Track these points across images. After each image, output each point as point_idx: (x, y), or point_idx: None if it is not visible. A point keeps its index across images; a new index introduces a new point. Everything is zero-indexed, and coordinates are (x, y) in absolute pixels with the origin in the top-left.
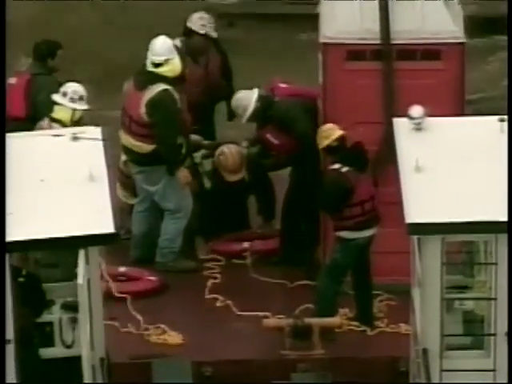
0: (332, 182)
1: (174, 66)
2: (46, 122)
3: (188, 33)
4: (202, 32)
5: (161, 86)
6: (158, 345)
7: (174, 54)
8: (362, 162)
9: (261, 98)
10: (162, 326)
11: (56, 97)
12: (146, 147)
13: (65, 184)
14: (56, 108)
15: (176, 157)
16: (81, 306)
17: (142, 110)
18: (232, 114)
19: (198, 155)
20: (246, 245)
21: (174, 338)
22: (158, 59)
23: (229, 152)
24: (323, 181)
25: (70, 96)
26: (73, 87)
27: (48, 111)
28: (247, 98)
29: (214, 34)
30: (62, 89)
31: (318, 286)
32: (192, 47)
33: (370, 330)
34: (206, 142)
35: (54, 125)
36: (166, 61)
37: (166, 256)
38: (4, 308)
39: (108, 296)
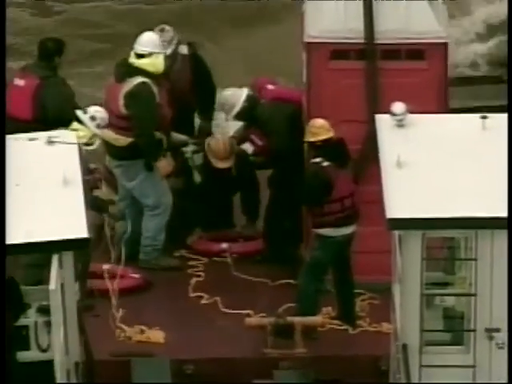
0: (312, 174)
1: (156, 62)
2: None
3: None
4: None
5: (139, 79)
6: (140, 343)
7: (158, 49)
8: (343, 158)
9: (249, 98)
10: (143, 324)
11: (83, 116)
12: (124, 140)
13: (39, 188)
14: (78, 126)
15: (153, 150)
16: (53, 310)
17: (121, 102)
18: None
19: (188, 150)
20: (224, 245)
21: (156, 336)
22: (141, 50)
23: (220, 138)
24: (305, 174)
25: (97, 122)
26: (101, 113)
27: (60, 115)
28: (236, 97)
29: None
30: (90, 111)
31: (299, 284)
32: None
33: (352, 329)
34: (188, 139)
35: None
36: (149, 54)
37: (149, 254)
38: (4, 309)
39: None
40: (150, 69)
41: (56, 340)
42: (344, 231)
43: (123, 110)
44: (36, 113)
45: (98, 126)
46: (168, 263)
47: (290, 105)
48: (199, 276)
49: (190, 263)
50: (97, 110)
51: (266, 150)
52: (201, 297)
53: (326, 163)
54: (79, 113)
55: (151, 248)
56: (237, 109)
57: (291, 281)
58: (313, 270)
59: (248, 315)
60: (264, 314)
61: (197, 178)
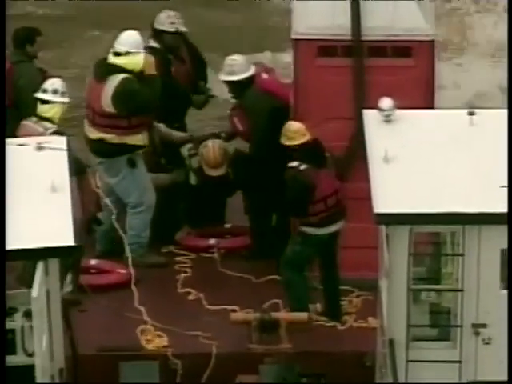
0: (291, 179)
1: (134, 61)
2: (33, 120)
3: (158, 34)
4: (173, 30)
5: (120, 76)
6: (130, 338)
7: (137, 48)
8: (321, 159)
9: (250, 78)
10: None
11: (43, 95)
12: (108, 138)
13: (27, 194)
14: (44, 107)
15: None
16: (35, 317)
17: (104, 101)
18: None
19: (184, 150)
20: (212, 241)
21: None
22: (119, 48)
23: (211, 146)
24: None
25: (61, 91)
26: (56, 82)
27: (29, 98)
28: (242, 66)
29: (184, 28)
30: (45, 86)
31: (282, 280)
32: (165, 45)
33: (339, 325)
34: (189, 136)
35: (44, 123)
36: (127, 53)
37: (135, 251)
38: (4, 311)
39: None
40: (129, 67)
41: (37, 346)
42: (329, 229)
43: (107, 109)
44: (12, 98)
45: (64, 95)
46: (154, 260)
47: (278, 99)
48: (186, 272)
49: (178, 259)
50: (53, 83)
51: (248, 135)
52: (189, 293)
53: (303, 166)
54: (40, 94)
55: (137, 245)
56: (236, 77)
57: (277, 277)
58: (293, 263)
59: (234, 311)
60: (250, 310)
61: (192, 179)
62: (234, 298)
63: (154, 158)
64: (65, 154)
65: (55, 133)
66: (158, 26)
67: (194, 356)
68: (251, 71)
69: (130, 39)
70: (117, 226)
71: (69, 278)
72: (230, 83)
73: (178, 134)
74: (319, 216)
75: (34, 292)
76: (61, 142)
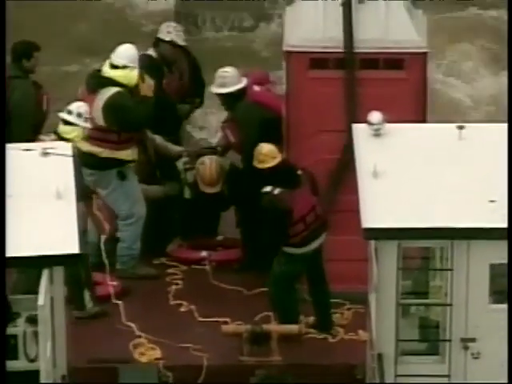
0: (267, 207)
1: (130, 76)
2: (51, 138)
3: (157, 42)
4: (168, 39)
5: (113, 89)
6: (121, 350)
7: (133, 63)
8: (294, 180)
9: (242, 90)
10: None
11: (67, 116)
12: (99, 152)
13: (32, 201)
14: (66, 128)
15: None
16: (41, 325)
17: (95, 113)
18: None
19: (180, 163)
20: (204, 253)
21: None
22: (117, 61)
23: (208, 164)
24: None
25: (84, 116)
26: (82, 107)
27: (21, 113)
28: (234, 79)
29: (181, 42)
30: (70, 108)
31: (271, 297)
32: (161, 56)
33: (330, 337)
34: (185, 151)
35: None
36: (124, 67)
37: (126, 263)
38: (4, 313)
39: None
40: (123, 81)
41: (42, 353)
42: (311, 246)
43: (97, 121)
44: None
45: (86, 121)
46: (145, 272)
47: (269, 111)
48: (177, 284)
49: (169, 271)
50: (79, 106)
51: (239, 147)
52: (180, 304)
53: (277, 190)
54: (64, 115)
55: (128, 257)
56: (227, 89)
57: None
58: (282, 283)
59: (225, 323)
60: (241, 322)
61: (187, 193)
62: (225, 310)
63: (148, 170)
64: (70, 160)
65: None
66: (158, 34)
67: (185, 368)
68: (243, 83)
69: (128, 53)
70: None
71: (87, 295)
72: (221, 95)
73: (173, 148)
74: (300, 236)
75: (41, 300)
76: (66, 147)
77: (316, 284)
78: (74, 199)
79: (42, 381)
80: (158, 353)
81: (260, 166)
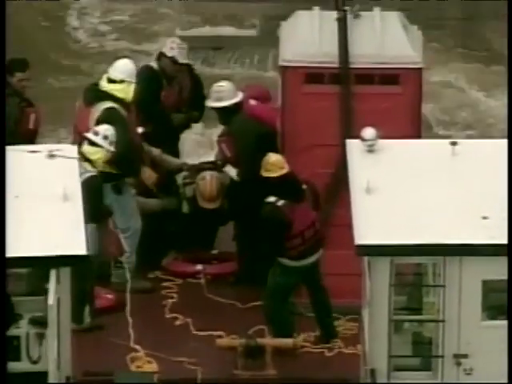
0: (267, 217)
1: (127, 90)
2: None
3: (159, 56)
4: (170, 55)
5: (107, 104)
6: (117, 364)
7: (131, 78)
8: (298, 193)
9: (238, 104)
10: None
11: (93, 137)
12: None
13: (38, 202)
14: (90, 148)
15: (129, 167)
16: (50, 325)
17: (91, 126)
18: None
19: (179, 178)
20: (199, 267)
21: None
22: (115, 75)
23: (209, 179)
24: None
25: (110, 140)
26: (109, 130)
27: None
28: (230, 93)
29: (182, 59)
30: (98, 129)
31: (266, 310)
32: (162, 69)
33: (327, 351)
34: (184, 165)
35: (85, 164)
36: (122, 81)
37: (121, 276)
38: (4, 310)
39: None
40: (120, 95)
41: (51, 354)
42: (307, 261)
43: None
44: None
45: (111, 144)
46: (140, 285)
47: (265, 125)
48: (172, 297)
49: (164, 284)
50: (106, 129)
51: (235, 161)
52: (175, 318)
53: (280, 202)
54: (91, 136)
55: (123, 271)
56: (223, 103)
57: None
58: (277, 295)
59: (219, 336)
60: (235, 336)
61: (185, 208)
62: (220, 323)
63: (145, 183)
64: (76, 163)
65: (93, 177)
66: (162, 49)
67: (180, 382)
68: (238, 97)
69: (126, 67)
70: None
71: (86, 309)
72: (217, 110)
73: (173, 161)
74: (297, 250)
75: (51, 299)
76: (72, 150)
77: (315, 297)
78: (81, 201)
79: (50, 380)
80: (153, 366)
81: (266, 174)
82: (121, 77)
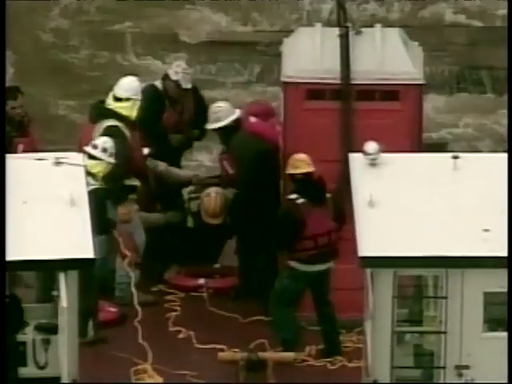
0: (284, 211)
1: (132, 108)
2: None
3: (165, 77)
4: (174, 78)
5: (110, 122)
6: (120, 377)
7: (137, 96)
8: (319, 196)
9: (236, 121)
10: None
11: (92, 151)
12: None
13: (46, 207)
14: (91, 162)
15: (116, 193)
16: (61, 328)
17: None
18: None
19: (185, 192)
20: (201, 281)
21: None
22: (120, 94)
23: (214, 196)
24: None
25: (110, 152)
26: (108, 142)
27: None
28: (226, 112)
29: (185, 84)
30: (96, 143)
31: (271, 315)
32: (165, 90)
33: (329, 364)
34: (194, 176)
35: (88, 178)
36: (127, 99)
37: (124, 290)
38: (4, 314)
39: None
40: (125, 113)
41: (62, 357)
42: (316, 267)
43: None
44: None
45: (111, 156)
46: (143, 299)
47: (265, 142)
48: (176, 311)
49: (168, 298)
50: (105, 141)
51: (233, 179)
52: (178, 331)
53: (300, 200)
54: (89, 149)
55: (126, 284)
56: (221, 123)
57: (264, 317)
58: (281, 299)
59: (221, 350)
60: (237, 350)
61: (190, 222)
62: (221, 336)
63: (149, 198)
64: (82, 169)
65: (96, 190)
66: (168, 70)
67: None
68: (235, 114)
69: (131, 85)
70: None
71: (90, 324)
72: (217, 130)
73: (182, 174)
74: (307, 253)
75: (64, 302)
76: (77, 158)
77: (320, 308)
78: (87, 206)
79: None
80: (156, 379)
81: (293, 171)
82: (126, 95)
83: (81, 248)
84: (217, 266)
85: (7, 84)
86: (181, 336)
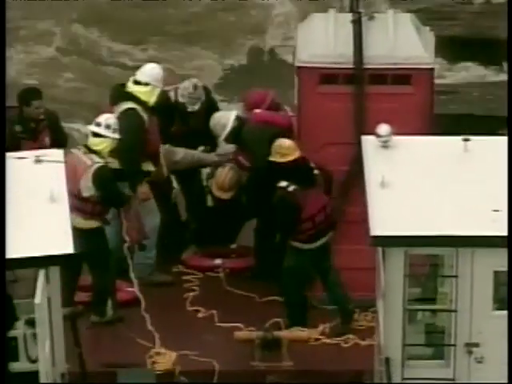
0: (279, 200)
1: (151, 93)
2: (81, 151)
3: (175, 90)
4: (181, 100)
5: (128, 104)
6: (137, 356)
7: (156, 82)
8: (310, 178)
9: (237, 118)
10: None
11: (95, 128)
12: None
13: (27, 204)
14: (95, 140)
15: (132, 176)
16: (38, 323)
17: None
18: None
19: (204, 172)
20: (218, 261)
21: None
22: (140, 78)
23: (226, 170)
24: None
25: (113, 128)
26: (111, 118)
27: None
28: (225, 119)
29: (191, 108)
30: (99, 120)
31: (284, 293)
32: (176, 103)
33: (343, 343)
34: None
35: (92, 156)
36: (146, 84)
37: (142, 270)
38: (4, 313)
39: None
40: (143, 97)
41: (41, 352)
42: (317, 243)
43: None
44: None
45: (115, 132)
46: (161, 279)
47: (273, 128)
48: (194, 290)
49: (185, 278)
50: (108, 118)
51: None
52: (197, 310)
53: (291, 187)
54: (93, 127)
55: (143, 265)
56: (227, 131)
57: (279, 298)
58: (290, 278)
59: (238, 328)
60: (253, 328)
61: (209, 201)
62: (238, 316)
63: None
64: (62, 166)
65: (102, 167)
66: (180, 87)
67: (197, 373)
68: (234, 112)
69: (153, 71)
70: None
71: (109, 303)
72: (227, 138)
73: (209, 157)
74: (307, 234)
75: (37, 299)
76: (58, 154)
77: (327, 282)
78: (67, 202)
79: (41, 381)
80: (173, 358)
81: (282, 159)
82: (146, 80)
83: (61, 244)
84: (233, 246)
85: None
86: (200, 315)
